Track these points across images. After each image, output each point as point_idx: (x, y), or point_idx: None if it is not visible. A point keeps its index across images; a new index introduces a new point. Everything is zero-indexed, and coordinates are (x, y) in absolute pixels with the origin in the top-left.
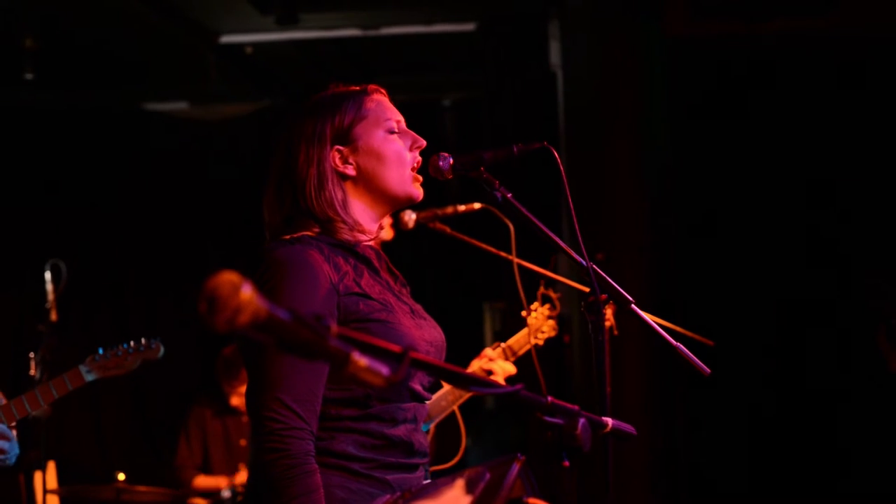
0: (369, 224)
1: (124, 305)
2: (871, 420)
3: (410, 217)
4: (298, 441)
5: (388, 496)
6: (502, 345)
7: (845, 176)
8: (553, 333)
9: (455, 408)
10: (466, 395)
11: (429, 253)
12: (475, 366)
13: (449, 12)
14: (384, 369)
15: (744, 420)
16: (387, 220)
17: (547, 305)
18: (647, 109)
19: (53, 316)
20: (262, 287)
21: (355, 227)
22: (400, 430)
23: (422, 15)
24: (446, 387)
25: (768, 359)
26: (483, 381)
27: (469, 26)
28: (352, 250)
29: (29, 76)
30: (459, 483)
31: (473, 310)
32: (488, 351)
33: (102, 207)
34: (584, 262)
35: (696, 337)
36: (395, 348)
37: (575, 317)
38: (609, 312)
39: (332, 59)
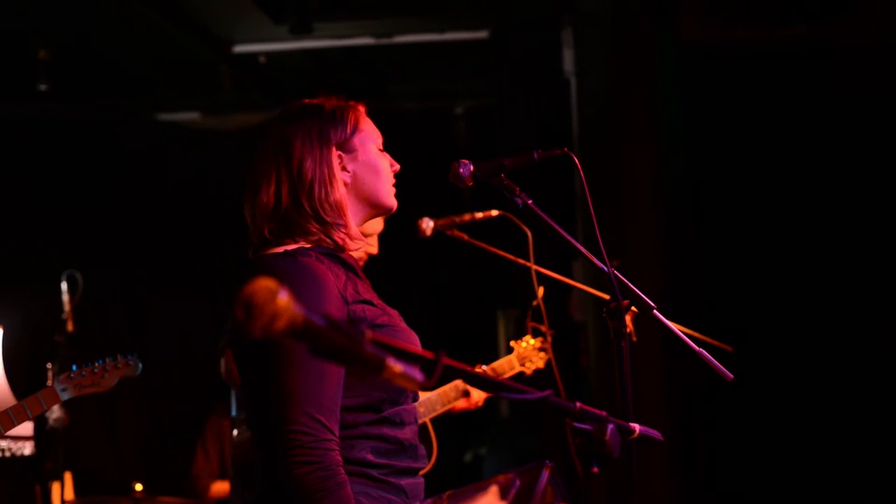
0: (354, 227)
1: (140, 316)
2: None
3: (428, 224)
4: (329, 452)
5: (403, 500)
6: (485, 367)
7: (867, 181)
8: (541, 365)
9: (427, 420)
10: (441, 410)
11: (442, 260)
12: (448, 387)
13: (462, 20)
14: (418, 374)
15: (764, 425)
16: (376, 232)
17: (539, 339)
18: (662, 117)
19: (70, 326)
20: None
21: (351, 231)
22: (407, 433)
23: (435, 23)
24: (422, 396)
25: (788, 364)
26: (513, 388)
27: (482, 34)
28: (341, 259)
29: (43, 87)
30: (493, 489)
31: (487, 317)
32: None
33: (116, 217)
34: (605, 268)
35: (715, 343)
36: (427, 354)
37: (590, 324)
38: (628, 319)
39: (345, 67)
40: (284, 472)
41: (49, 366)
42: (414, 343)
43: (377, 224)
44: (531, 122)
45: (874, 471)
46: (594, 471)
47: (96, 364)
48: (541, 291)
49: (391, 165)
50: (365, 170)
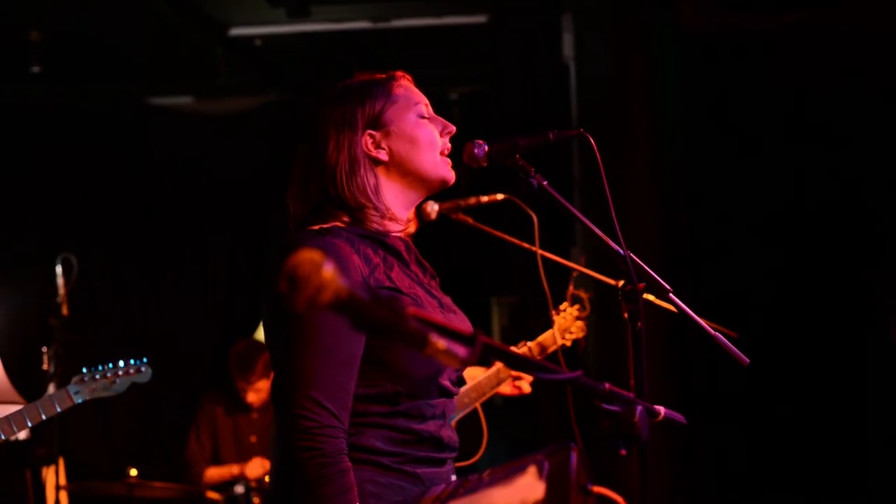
0: (401, 211)
1: (133, 300)
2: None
3: (433, 208)
4: (332, 440)
5: (420, 487)
6: (529, 344)
7: (868, 172)
8: (581, 335)
9: (478, 405)
10: (490, 393)
11: (435, 247)
12: (499, 364)
13: (460, 4)
14: (461, 351)
15: (764, 413)
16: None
17: (577, 306)
18: (661, 102)
19: (65, 310)
20: None
21: (386, 214)
22: (429, 426)
23: (433, 7)
24: (469, 384)
25: (785, 354)
26: (545, 367)
27: (481, 18)
28: (381, 242)
29: (36, 69)
30: (532, 469)
31: (480, 305)
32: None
33: (110, 201)
34: (621, 251)
35: (720, 328)
36: (467, 332)
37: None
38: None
39: (342, 51)
40: (290, 454)
41: (44, 349)
42: None
43: None
44: (529, 107)
45: (876, 458)
46: (622, 453)
47: (107, 367)
48: (583, 260)
49: (444, 129)
50: (401, 143)
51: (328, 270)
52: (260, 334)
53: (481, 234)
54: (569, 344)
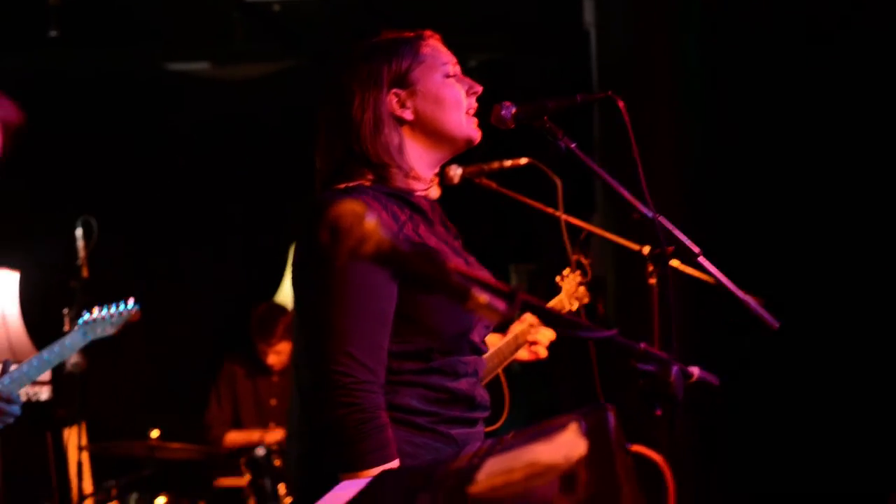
0: (425, 171)
1: (152, 262)
2: None
3: (456, 172)
4: (370, 395)
5: (454, 449)
6: (548, 304)
7: None
8: (586, 300)
9: (500, 371)
10: (510, 359)
11: (452, 214)
12: (516, 330)
13: None
14: (502, 305)
15: (781, 382)
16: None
17: (578, 272)
18: (683, 69)
19: (85, 272)
20: (317, 238)
21: (410, 173)
22: (462, 384)
23: None
24: (490, 350)
25: (805, 326)
26: (583, 325)
27: None
28: (407, 200)
29: (53, 33)
30: (572, 427)
31: (500, 272)
32: (528, 316)
33: (128, 165)
34: (650, 214)
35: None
36: (504, 287)
37: (610, 277)
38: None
39: (361, 17)
40: (324, 412)
41: (66, 311)
42: None
43: None
44: (548, 74)
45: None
46: (657, 413)
47: (101, 310)
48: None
49: (470, 89)
50: (426, 103)
51: (370, 222)
52: (280, 297)
53: (500, 200)
54: (574, 309)
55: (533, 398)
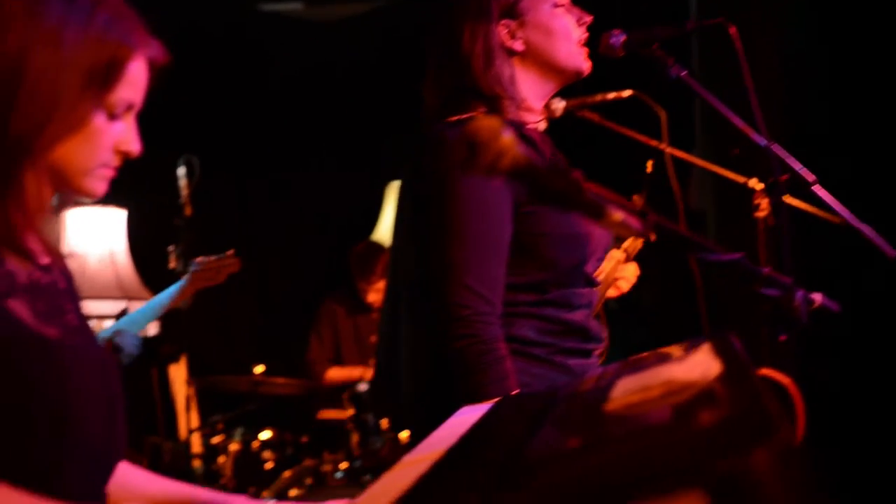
0: (536, 102)
1: (252, 201)
2: None
3: (559, 105)
4: (488, 326)
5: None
6: (623, 246)
7: None
8: (638, 246)
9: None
10: (605, 296)
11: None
12: (606, 268)
13: None
14: (636, 223)
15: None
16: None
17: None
18: None
19: (188, 211)
20: (435, 170)
21: (522, 105)
22: (576, 316)
23: None
24: None
25: None
26: (712, 248)
27: None
28: (519, 132)
29: None
30: (704, 348)
31: None
32: (615, 253)
33: (229, 105)
34: (763, 143)
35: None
36: (635, 206)
37: (710, 212)
38: (765, 203)
39: None
40: (443, 345)
41: (171, 248)
42: (582, 223)
43: None
44: (644, 4)
45: None
46: (782, 338)
47: (209, 258)
48: (650, 165)
49: (580, 19)
50: (537, 33)
51: (507, 137)
52: (378, 235)
53: (600, 135)
54: (639, 247)
55: (629, 335)
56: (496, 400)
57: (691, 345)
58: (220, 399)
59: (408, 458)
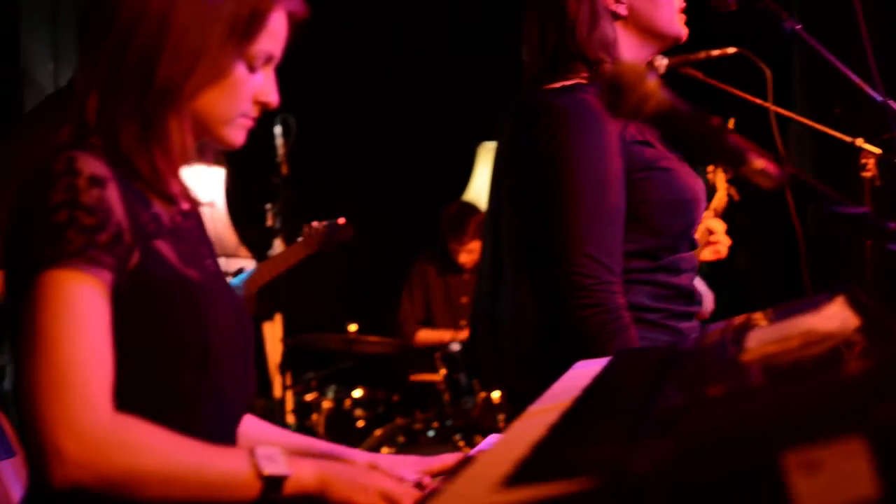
0: None
1: (346, 160)
2: None
3: (662, 62)
4: (612, 295)
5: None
6: (711, 205)
7: None
8: (736, 197)
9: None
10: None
11: None
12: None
13: None
14: (776, 172)
15: None
16: None
17: (720, 167)
18: None
19: (284, 169)
20: (549, 139)
21: None
22: (683, 279)
23: None
24: None
25: None
26: (838, 200)
27: None
28: None
29: None
30: (839, 300)
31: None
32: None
33: (324, 66)
34: (878, 98)
35: None
36: (771, 154)
37: (809, 171)
38: (871, 163)
39: None
40: (567, 315)
41: (268, 206)
42: (699, 189)
43: None
44: None
45: None
46: None
47: (321, 224)
48: (731, 122)
49: None
50: None
51: (652, 80)
52: (470, 196)
53: (702, 93)
54: (725, 204)
55: (724, 297)
56: (614, 354)
57: (822, 298)
58: (314, 357)
59: (533, 409)
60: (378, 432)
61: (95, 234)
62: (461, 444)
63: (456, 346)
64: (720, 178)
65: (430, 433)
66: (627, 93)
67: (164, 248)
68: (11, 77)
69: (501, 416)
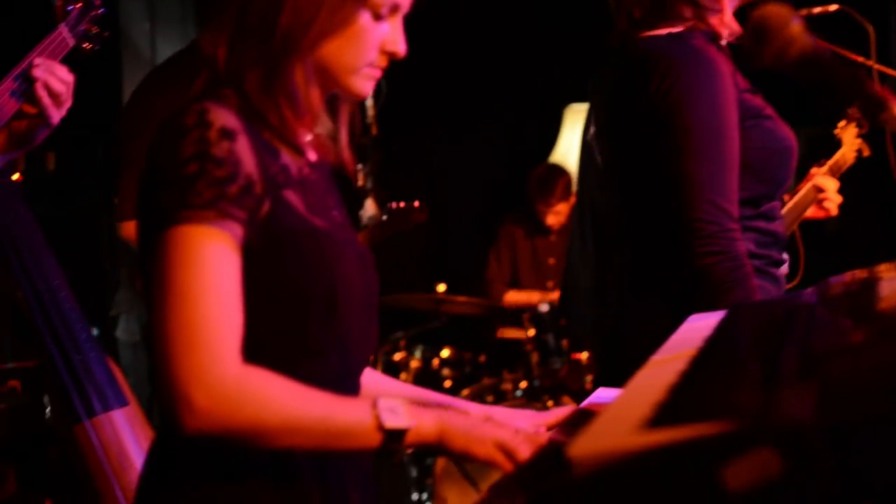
0: (730, 14)
1: (436, 123)
2: None
3: None
4: (735, 242)
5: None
6: (828, 162)
7: None
8: (866, 153)
9: (795, 227)
10: (804, 215)
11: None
12: (806, 188)
13: None
14: None
15: None
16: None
17: (853, 123)
18: None
19: (374, 130)
20: (666, 90)
21: (724, 19)
22: (778, 226)
23: None
24: (789, 203)
25: None
26: None
27: None
28: (719, 44)
29: None
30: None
31: None
32: (815, 170)
33: (413, 29)
34: None
35: None
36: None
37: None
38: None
39: None
40: (691, 263)
41: (359, 167)
42: (791, 140)
43: None
44: None
45: None
46: None
47: (400, 204)
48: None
49: None
50: None
51: (797, 25)
52: (556, 157)
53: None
54: (853, 160)
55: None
56: (731, 307)
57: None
58: (402, 317)
59: (656, 359)
60: (465, 392)
61: (225, 186)
62: (550, 403)
63: (545, 307)
64: (849, 134)
65: (518, 393)
66: (772, 37)
67: (292, 197)
68: (109, 36)
69: (589, 378)
